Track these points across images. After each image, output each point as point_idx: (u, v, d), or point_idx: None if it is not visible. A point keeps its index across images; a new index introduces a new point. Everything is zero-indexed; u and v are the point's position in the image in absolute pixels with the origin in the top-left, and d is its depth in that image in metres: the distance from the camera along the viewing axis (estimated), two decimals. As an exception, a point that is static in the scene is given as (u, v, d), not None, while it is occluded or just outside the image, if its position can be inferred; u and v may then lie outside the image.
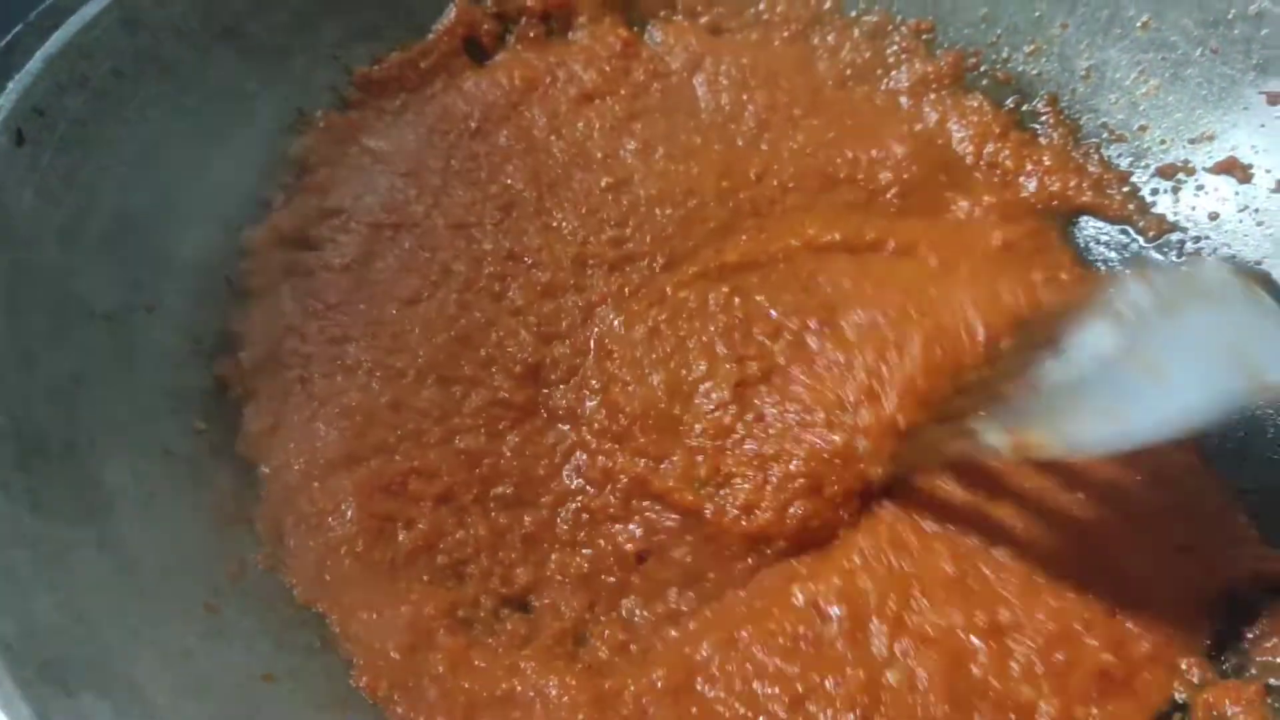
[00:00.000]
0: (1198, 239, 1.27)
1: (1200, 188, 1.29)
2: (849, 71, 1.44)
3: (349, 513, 1.10)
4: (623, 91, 1.40)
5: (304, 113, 1.33)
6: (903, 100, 1.42)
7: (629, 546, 1.11)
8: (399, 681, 1.02)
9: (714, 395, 1.14)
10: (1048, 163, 1.34)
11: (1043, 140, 1.38)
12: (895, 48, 1.44)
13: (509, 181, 1.30)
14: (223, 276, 1.22)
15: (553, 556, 1.12)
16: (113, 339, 1.10)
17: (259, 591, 1.05)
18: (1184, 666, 1.00)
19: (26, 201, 1.07)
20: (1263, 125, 1.25)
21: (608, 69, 1.41)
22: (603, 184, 1.30)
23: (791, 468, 1.09)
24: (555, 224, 1.27)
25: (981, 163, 1.36)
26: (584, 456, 1.15)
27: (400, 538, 1.10)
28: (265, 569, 1.07)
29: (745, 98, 1.39)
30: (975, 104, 1.39)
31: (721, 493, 1.10)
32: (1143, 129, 1.32)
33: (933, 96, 1.41)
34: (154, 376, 1.12)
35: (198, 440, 1.12)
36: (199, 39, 1.23)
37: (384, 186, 1.30)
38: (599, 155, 1.33)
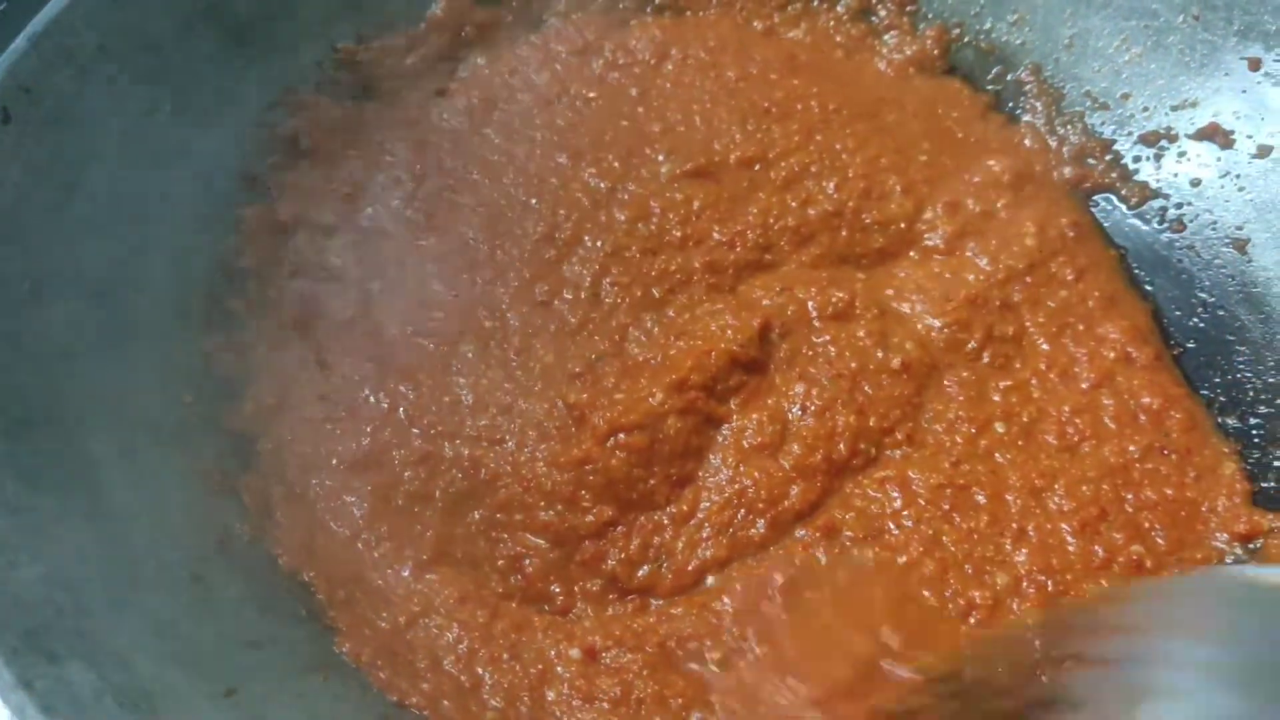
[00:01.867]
0: (1180, 205, 1.28)
1: (1183, 154, 1.29)
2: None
3: (358, 512, 1.10)
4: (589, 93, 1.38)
5: (291, 89, 1.33)
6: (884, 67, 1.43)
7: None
8: (384, 648, 1.03)
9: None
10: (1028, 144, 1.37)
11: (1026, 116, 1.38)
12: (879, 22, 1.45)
13: (465, 231, 1.27)
14: (211, 253, 1.23)
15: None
16: (101, 315, 1.11)
17: (244, 561, 1.06)
18: None
19: (14, 178, 1.07)
20: (1244, 91, 1.25)
21: (559, 67, 1.40)
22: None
23: None
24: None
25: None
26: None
27: (415, 540, 1.10)
28: (251, 539, 1.08)
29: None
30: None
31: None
32: (1125, 96, 1.33)
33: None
34: (142, 351, 1.13)
35: (185, 412, 1.13)
36: (183, 14, 1.23)
37: (355, 233, 1.28)
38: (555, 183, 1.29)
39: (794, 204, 1.27)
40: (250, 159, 1.29)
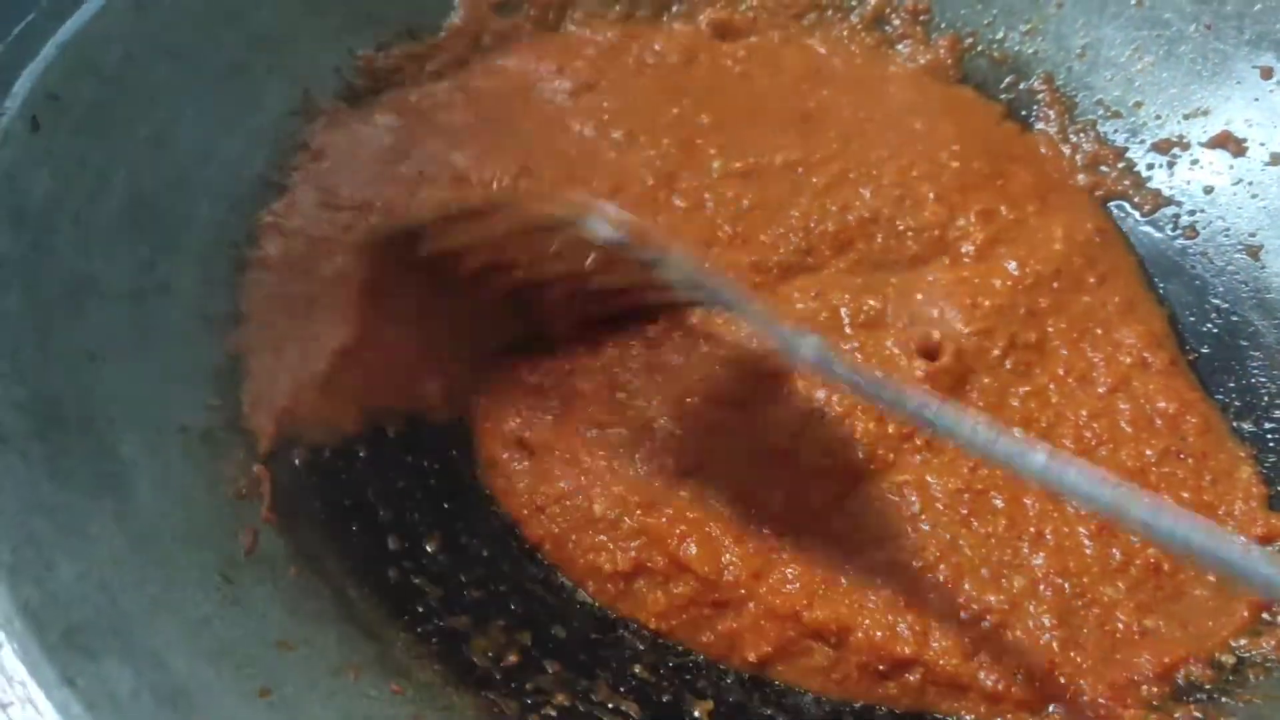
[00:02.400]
0: (1193, 212, 1.30)
1: (1195, 162, 1.31)
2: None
3: None
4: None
5: (310, 95, 1.34)
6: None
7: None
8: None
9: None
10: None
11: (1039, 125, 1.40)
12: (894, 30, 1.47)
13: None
14: (234, 258, 1.24)
15: None
16: (128, 317, 1.11)
17: (273, 561, 1.07)
18: None
19: (42, 184, 1.08)
20: (1256, 99, 1.27)
21: (592, 52, 1.41)
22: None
23: None
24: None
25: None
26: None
27: None
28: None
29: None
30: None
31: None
32: (1138, 105, 1.34)
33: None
34: (168, 354, 1.13)
35: (211, 415, 1.13)
36: (206, 22, 1.24)
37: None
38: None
39: (834, 209, 1.28)
40: (272, 163, 1.30)
